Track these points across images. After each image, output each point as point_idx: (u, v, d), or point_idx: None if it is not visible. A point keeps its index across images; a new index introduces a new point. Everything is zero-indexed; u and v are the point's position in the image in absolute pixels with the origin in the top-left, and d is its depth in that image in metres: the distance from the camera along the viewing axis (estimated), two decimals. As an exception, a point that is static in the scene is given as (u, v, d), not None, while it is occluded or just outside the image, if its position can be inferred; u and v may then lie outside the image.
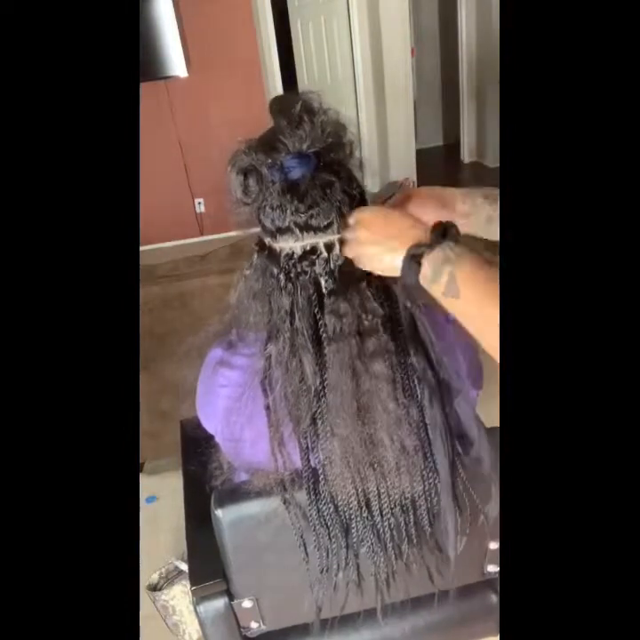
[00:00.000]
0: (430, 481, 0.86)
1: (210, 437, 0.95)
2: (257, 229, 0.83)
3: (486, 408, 0.94)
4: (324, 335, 0.79)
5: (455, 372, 0.85)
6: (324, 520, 0.86)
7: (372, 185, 4.56)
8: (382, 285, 0.81)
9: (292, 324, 0.80)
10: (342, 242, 0.79)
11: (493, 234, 0.85)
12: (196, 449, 1.02)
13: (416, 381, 0.82)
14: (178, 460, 1.27)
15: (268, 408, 0.83)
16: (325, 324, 0.79)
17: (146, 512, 1.98)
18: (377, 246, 0.75)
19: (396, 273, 0.73)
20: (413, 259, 0.70)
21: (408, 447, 0.82)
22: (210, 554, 0.95)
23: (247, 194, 0.80)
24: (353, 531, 0.87)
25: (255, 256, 0.84)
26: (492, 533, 0.96)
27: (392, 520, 0.87)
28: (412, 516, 0.87)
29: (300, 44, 4.82)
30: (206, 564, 0.99)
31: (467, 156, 5.47)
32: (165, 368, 1.87)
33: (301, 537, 0.87)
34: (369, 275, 0.79)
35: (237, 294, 0.86)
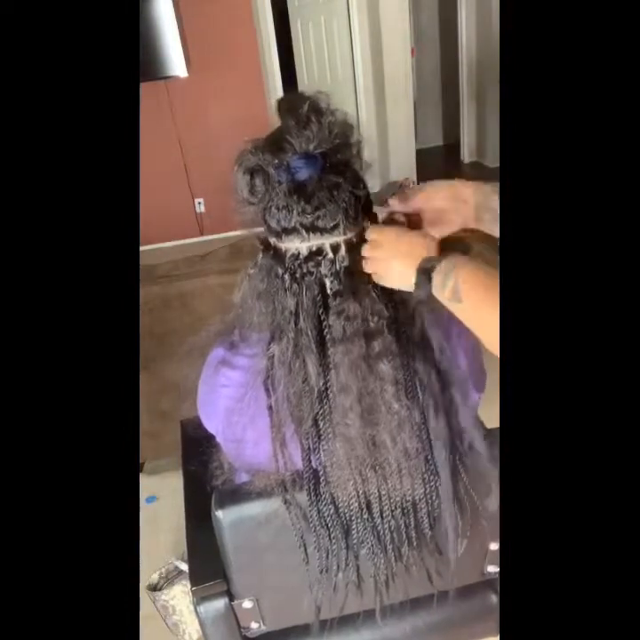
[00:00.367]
0: (431, 483, 0.85)
1: (210, 437, 0.95)
2: (260, 229, 0.83)
3: (488, 410, 0.94)
4: (329, 336, 0.79)
5: (458, 374, 0.85)
6: (325, 521, 0.86)
7: (372, 185, 4.59)
8: (387, 287, 0.81)
9: (296, 324, 0.79)
10: (361, 258, 0.80)
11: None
12: (197, 449, 1.02)
13: (419, 383, 0.82)
14: (178, 460, 1.27)
15: (270, 408, 0.82)
16: (330, 325, 0.79)
17: (146, 512, 1.98)
18: (390, 263, 0.77)
19: (411, 287, 0.76)
20: (424, 273, 0.73)
21: (410, 449, 0.82)
22: (210, 554, 0.95)
23: (253, 194, 0.80)
24: (353, 532, 0.87)
25: (260, 256, 0.84)
26: (492, 534, 0.96)
27: (392, 522, 0.87)
28: (412, 519, 0.87)
29: (299, 43, 4.82)
30: (206, 564, 0.98)
31: (467, 155, 5.47)
32: (165, 368, 1.87)
33: (302, 538, 0.87)
34: None
35: (241, 294, 0.85)
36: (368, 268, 0.80)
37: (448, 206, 0.83)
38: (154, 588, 1.56)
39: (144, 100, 3.40)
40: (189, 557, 1.06)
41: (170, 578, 1.58)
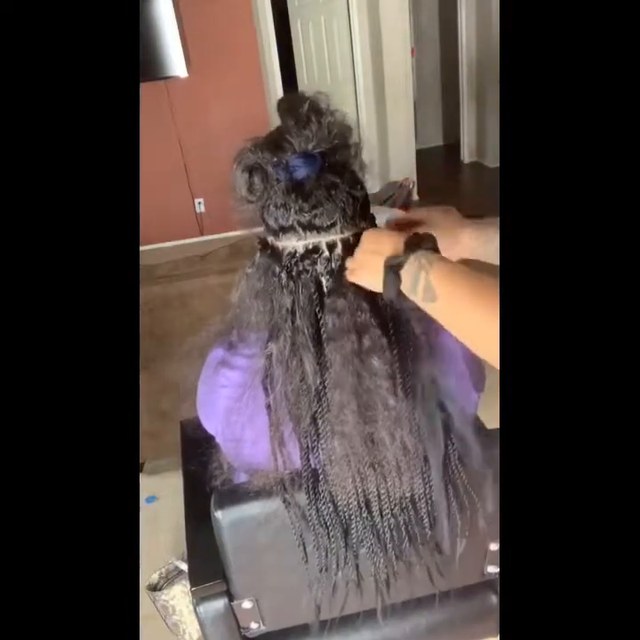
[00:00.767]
0: (431, 481, 0.86)
1: (210, 438, 0.95)
2: (259, 229, 0.83)
3: (488, 410, 0.94)
4: (325, 334, 0.79)
5: (455, 375, 0.85)
6: (324, 520, 0.86)
7: (371, 185, 4.58)
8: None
9: (293, 322, 0.80)
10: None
11: None
12: (197, 449, 1.02)
13: (415, 380, 0.82)
14: (178, 460, 1.27)
15: (268, 407, 0.83)
16: (326, 323, 0.79)
17: (146, 512, 1.98)
18: (364, 263, 0.77)
19: (380, 288, 0.76)
20: (391, 270, 0.73)
21: (409, 446, 0.82)
22: (210, 554, 0.95)
23: (252, 192, 0.81)
24: (353, 531, 0.87)
25: (258, 255, 0.85)
26: (492, 534, 0.96)
27: (392, 521, 0.87)
28: (412, 517, 0.87)
29: (299, 43, 4.82)
30: (206, 564, 0.98)
31: (467, 156, 5.48)
32: (165, 368, 1.87)
33: (301, 537, 0.87)
34: None
35: (239, 293, 0.86)
36: (348, 272, 0.80)
37: (442, 244, 0.80)
38: (154, 588, 1.56)
39: (144, 99, 3.40)
40: (189, 558, 1.06)
41: (170, 578, 1.58)
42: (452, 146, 5.72)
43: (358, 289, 0.80)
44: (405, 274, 0.72)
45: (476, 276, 0.68)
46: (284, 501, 0.86)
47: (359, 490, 0.84)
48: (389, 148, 4.80)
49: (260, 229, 0.83)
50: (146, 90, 3.36)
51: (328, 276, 0.80)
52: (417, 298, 0.72)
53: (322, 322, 0.79)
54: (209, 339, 0.92)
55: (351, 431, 0.80)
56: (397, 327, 0.81)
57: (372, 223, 0.84)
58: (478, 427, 0.86)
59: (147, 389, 1.89)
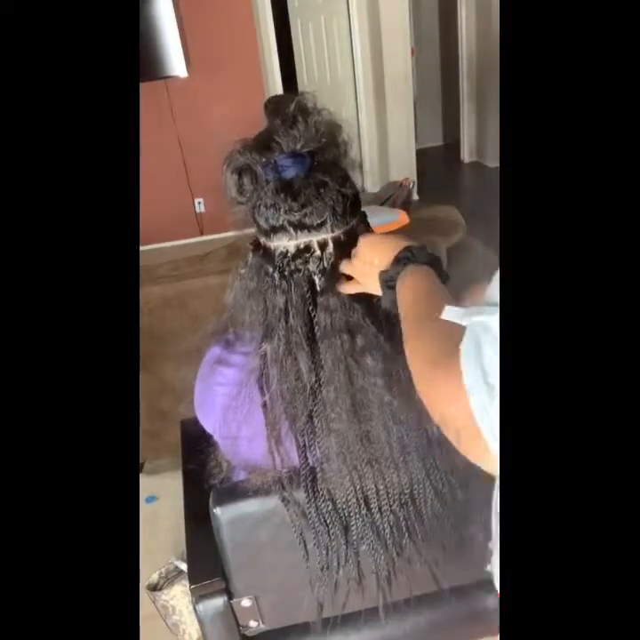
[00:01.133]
0: (428, 478, 0.86)
1: (209, 436, 0.96)
2: (254, 230, 0.83)
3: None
4: (319, 333, 0.79)
5: None
6: (323, 518, 0.86)
7: (372, 185, 4.59)
8: None
9: (286, 322, 0.80)
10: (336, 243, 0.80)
11: None
12: (197, 448, 1.02)
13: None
14: (178, 460, 1.27)
15: (264, 406, 0.83)
16: (319, 322, 0.79)
17: (146, 512, 1.98)
18: (363, 273, 0.78)
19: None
20: (385, 284, 0.74)
21: (406, 443, 0.83)
22: (209, 552, 0.95)
23: (242, 193, 0.81)
24: (352, 528, 0.87)
25: (250, 255, 0.85)
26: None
27: (391, 517, 0.87)
28: (411, 513, 0.88)
29: (299, 43, 4.83)
30: (205, 562, 0.99)
31: (467, 155, 5.48)
32: (165, 368, 1.87)
33: (301, 535, 0.88)
34: None
35: (233, 293, 0.86)
36: (345, 285, 0.80)
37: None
38: (154, 588, 1.56)
39: (144, 100, 3.41)
40: (188, 556, 1.06)
41: (170, 578, 1.58)
42: (452, 146, 5.72)
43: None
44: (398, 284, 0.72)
45: (431, 304, 0.64)
46: (283, 499, 0.86)
47: (357, 487, 0.85)
48: (389, 148, 4.80)
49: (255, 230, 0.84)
50: (146, 90, 3.36)
51: (320, 275, 0.81)
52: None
53: (315, 320, 0.80)
54: (206, 338, 0.93)
55: (346, 429, 0.81)
56: (391, 325, 0.81)
57: (362, 220, 0.84)
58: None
59: (147, 389, 1.89)
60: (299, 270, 0.80)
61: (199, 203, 4.20)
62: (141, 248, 2.33)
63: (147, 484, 2.08)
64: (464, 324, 0.55)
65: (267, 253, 0.82)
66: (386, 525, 0.87)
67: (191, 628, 1.54)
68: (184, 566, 1.53)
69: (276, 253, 0.81)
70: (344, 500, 0.85)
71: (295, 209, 0.78)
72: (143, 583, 1.55)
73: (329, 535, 0.87)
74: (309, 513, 0.86)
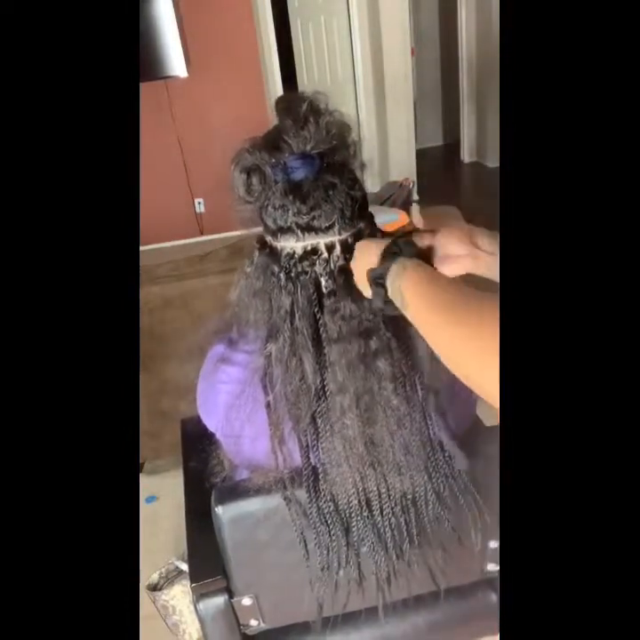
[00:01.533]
0: (431, 480, 0.86)
1: (210, 435, 0.96)
2: (259, 229, 0.83)
3: (489, 408, 0.94)
4: (325, 335, 0.79)
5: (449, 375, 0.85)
6: (325, 518, 0.86)
7: (372, 185, 4.58)
8: None
9: (292, 323, 0.80)
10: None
11: None
12: (197, 447, 1.02)
13: (417, 379, 0.82)
14: (178, 460, 1.27)
15: (268, 406, 0.83)
16: (326, 324, 0.79)
17: (146, 512, 1.98)
18: (361, 275, 0.77)
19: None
20: (374, 281, 0.72)
21: (409, 446, 0.82)
22: (210, 551, 0.95)
23: (250, 193, 0.80)
24: (353, 529, 0.87)
25: (256, 254, 0.84)
26: (492, 532, 0.96)
27: (393, 520, 0.87)
28: (413, 516, 0.88)
29: (299, 43, 4.83)
30: (206, 561, 0.99)
31: (467, 155, 5.47)
32: (165, 368, 1.87)
33: (302, 534, 0.88)
34: None
35: (238, 291, 0.86)
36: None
37: (463, 251, 0.78)
38: (154, 588, 1.56)
39: (144, 100, 3.41)
40: (189, 554, 1.06)
41: (170, 578, 1.58)
42: (452, 146, 5.72)
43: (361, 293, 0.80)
44: (388, 283, 0.71)
45: (454, 289, 0.64)
46: (285, 499, 0.86)
47: (359, 489, 0.85)
48: (389, 148, 4.80)
49: (260, 229, 0.83)
50: (146, 90, 3.36)
51: (327, 278, 0.80)
52: (397, 303, 0.71)
53: (321, 322, 0.79)
54: (208, 336, 0.92)
55: (351, 431, 0.81)
56: (398, 329, 0.81)
57: (370, 223, 0.84)
58: (476, 425, 0.87)
59: (147, 389, 1.89)
60: (305, 272, 0.80)
61: (199, 203, 4.20)
62: (141, 248, 2.33)
63: (147, 484, 2.08)
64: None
65: (273, 253, 0.82)
66: (387, 528, 0.87)
67: (191, 627, 1.54)
68: (184, 566, 1.53)
69: (283, 254, 0.80)
70: (346, 501, 0.85)
71: (304, 211, 0.77)
72: (143, 583, 1.55)
73: (330, 535, 0.87)
74: (311, 513, 0.86)
